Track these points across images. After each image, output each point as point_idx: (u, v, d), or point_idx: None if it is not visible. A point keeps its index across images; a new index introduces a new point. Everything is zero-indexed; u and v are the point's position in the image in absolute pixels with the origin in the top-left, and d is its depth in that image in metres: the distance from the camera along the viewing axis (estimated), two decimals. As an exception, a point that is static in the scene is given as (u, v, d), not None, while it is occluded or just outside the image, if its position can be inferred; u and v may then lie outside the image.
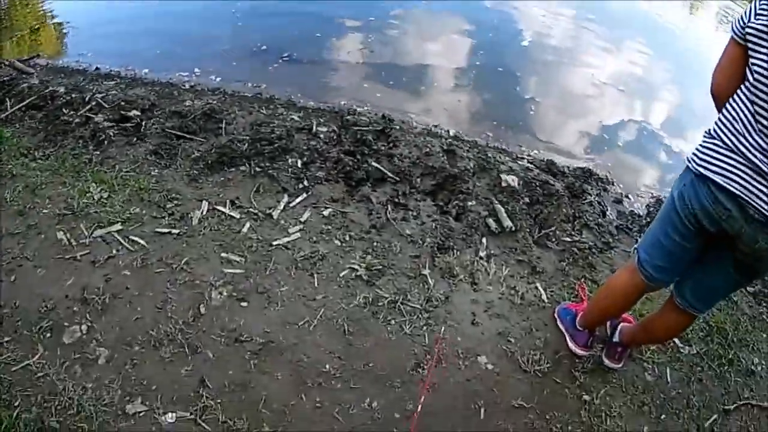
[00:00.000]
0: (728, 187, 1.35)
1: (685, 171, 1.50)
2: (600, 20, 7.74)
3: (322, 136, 3.27)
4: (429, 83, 4.71)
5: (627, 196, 3.49)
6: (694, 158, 1.46)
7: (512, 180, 3.17)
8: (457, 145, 3.48)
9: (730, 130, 1.38)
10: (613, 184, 3.56)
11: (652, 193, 3.63)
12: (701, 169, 1.41)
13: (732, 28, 1.37)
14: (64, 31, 7.16)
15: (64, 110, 3.75)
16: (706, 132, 1.47)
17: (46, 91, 4.23)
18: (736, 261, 1.50)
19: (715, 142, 1.42)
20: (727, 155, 1.37)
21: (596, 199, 3.27)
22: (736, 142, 1.36)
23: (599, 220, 3.09)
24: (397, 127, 3.54)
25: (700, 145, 1.47)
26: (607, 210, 3.23)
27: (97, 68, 4.65)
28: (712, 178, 1.38)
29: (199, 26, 5.75)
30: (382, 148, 3.25)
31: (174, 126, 3.25)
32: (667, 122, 4.86)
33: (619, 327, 2.14)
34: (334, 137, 3.29)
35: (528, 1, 7.62)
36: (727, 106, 1.41)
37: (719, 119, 1.43)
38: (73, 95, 4.01)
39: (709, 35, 8.98)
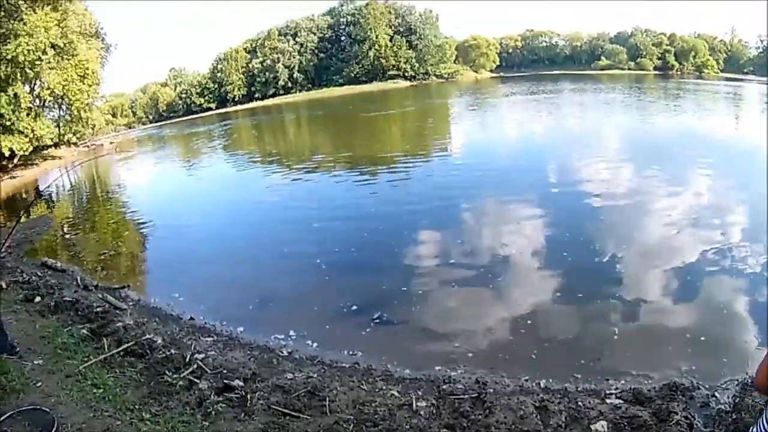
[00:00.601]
0: None
1: None
2: (661, 168, 8.60)
3: (422, 412, 3.40)
4: (514, 327, 4.71)
5: (713, 395, 3.48)
6: None
7: (602, 427, 3.24)
8: (548, 399, 3.56)
9: None
10: (698, 389, 3.56)
11: (737, 380, 3.60)
12: None
13: None
14: (150, 260, 7.87)
15: (166, 369, 4.00)
16: None
17: (143, 338, 4.57)
18: None
19: None
20: None
21: (683, 415, 3.26)
22: None
23: (687, 438, 3.05)
24: (491, 390, 3.67)
25: None
26: (694, 422, 3.23)
27: (191, 318, 4.96)
28: None
29: (288, 279, 6.04)
30: (480, 417, 3.34)
31: (279, 402, 3.44)
32: (739, 292, 4.92)
33: None
34: (434, 411, 3.41)
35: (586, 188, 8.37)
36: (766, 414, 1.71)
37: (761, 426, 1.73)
38: (173, 351, 4.30)
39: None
